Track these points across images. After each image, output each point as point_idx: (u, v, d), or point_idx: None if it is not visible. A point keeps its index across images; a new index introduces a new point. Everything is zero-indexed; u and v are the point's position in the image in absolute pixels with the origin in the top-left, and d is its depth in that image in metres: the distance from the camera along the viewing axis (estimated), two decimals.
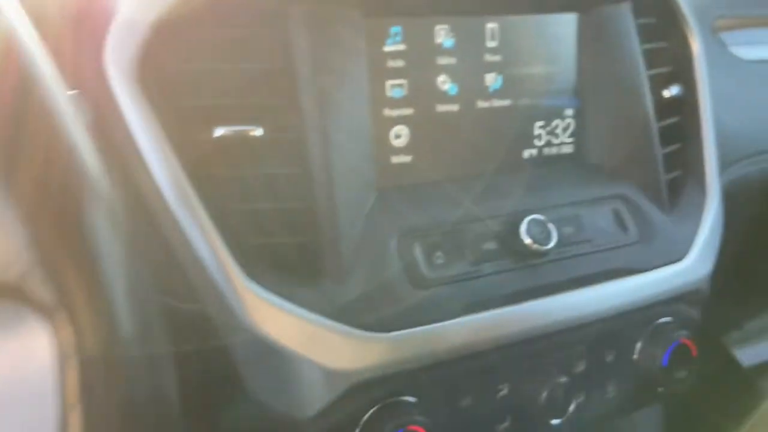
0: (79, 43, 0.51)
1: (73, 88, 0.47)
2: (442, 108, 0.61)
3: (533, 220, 0.58)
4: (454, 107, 0.61)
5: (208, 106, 0.50)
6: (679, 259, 0.65)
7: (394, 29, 0.58)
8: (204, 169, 0.50)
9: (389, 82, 0.58)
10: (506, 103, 0.64)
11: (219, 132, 0.50)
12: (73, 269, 0.33)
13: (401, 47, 0.58)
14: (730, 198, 0.75)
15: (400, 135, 0.59)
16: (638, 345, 0.65)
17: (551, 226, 0.58)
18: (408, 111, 0.59)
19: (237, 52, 0.51)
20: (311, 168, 0.52)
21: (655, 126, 0.67)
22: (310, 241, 0.52)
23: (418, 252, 0.55)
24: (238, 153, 0.51)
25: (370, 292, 0.52)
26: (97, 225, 0.34)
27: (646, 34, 0.68)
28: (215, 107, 0.50)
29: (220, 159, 0.50)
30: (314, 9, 0.52)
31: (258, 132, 0.51)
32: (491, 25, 0.62)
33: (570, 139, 0.68)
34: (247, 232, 0.51)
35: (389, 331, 0.52)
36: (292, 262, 0.52)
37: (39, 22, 0.41)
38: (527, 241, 0.57)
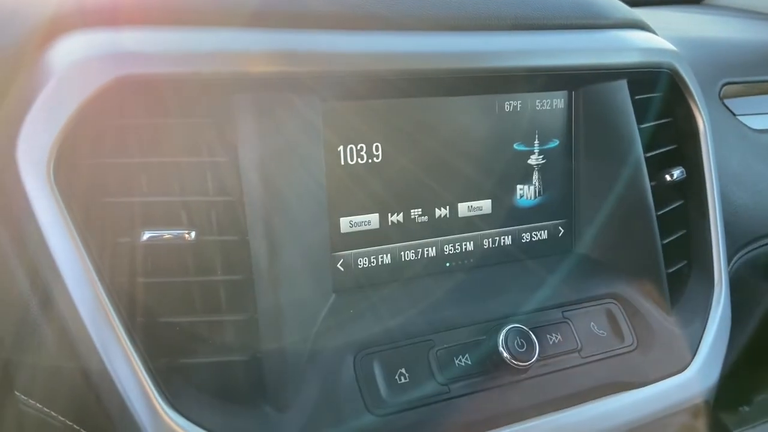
0: None
1: None
2: None
3: (513, 330, 0.50)
4: None
5: (134, 206, 0.44)
6: (682, 369, 0.57)
7: None
8: (126, 278, 0.43)
9: None
10: None
11: (146, 236, 0.44)
12: None
13: None
14: (736, 286, 0.67)
15: None
16: None
17: (533, 336, 0.51)
18: None
19: (170, 145, 0.45)
20: (254, 274, 0.45)
21: (653, 213, 0.60)
22: (249, 360, 0.45)
23: (377, 370, 0.48)
24: (168, 260, 0.44)
25: (318, 420, 0.45)
26: None
27: (645, 110, 0.62)
28: (143, 208, 0.44)
29: (146, 267, 0.44)
30: (263, 96, 0.46)
31: (191, 235, 0.44)
32: None
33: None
34: (174, 350, 0.44)
35: None
36: (226, 385, 0.45)
37: None
38: (506, 355, 0.49)
